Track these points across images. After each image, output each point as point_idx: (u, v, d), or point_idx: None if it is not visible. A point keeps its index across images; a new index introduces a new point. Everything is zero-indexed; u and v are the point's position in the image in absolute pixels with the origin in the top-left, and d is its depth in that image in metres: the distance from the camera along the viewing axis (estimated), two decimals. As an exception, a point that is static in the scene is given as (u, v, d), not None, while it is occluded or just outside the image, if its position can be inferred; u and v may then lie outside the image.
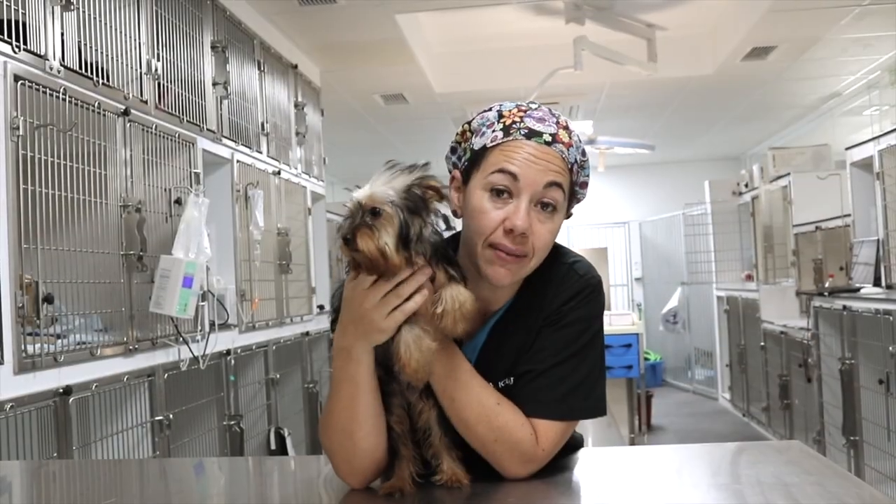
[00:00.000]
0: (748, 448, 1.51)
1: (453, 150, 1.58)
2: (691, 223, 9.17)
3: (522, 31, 6.14)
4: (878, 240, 4.65)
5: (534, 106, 1.51)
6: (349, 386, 1.38)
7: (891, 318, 4.12)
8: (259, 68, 4.34)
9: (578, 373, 1.45)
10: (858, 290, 4.70)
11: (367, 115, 7.39)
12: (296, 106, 4.98)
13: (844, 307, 4.76)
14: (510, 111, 1.50)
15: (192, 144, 3.42)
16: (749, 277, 7.95)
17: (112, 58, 2.87)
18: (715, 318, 8.75)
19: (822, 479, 1.28)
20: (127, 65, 2.96)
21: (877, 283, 4.63)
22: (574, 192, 1.53)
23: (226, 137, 3.81)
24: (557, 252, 1.56)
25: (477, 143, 1.51)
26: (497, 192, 1.44)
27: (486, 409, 1.40)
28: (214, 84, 3.70)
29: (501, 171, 1.44)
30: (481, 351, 1.52)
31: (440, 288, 1.36)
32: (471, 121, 1.55)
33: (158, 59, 3.17)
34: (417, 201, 1.32)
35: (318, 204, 5.41)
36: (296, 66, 4.99)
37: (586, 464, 1.54)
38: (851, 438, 4.78)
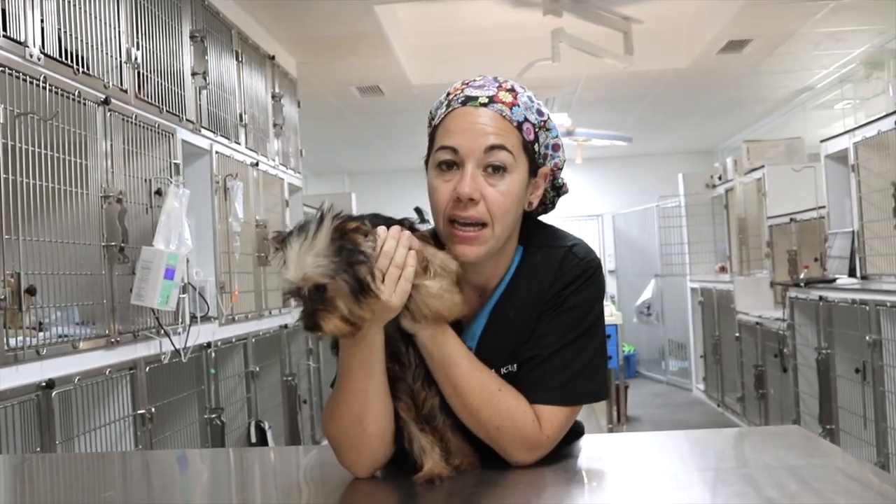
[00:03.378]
0: (748, 433, 1.52)
1: (430, 142, 1.57)
2: (665, 216, 9.21)
3: (500, 23, 6.13)
4: (852, 231, 4.70)
5: (479, 78, 1.51)
6: (361, 371, 1.36)
7: (867, 307, 4.17)
8: (237, 59, 4.30)
9: (581, 357, 1.44)
10: (834, 280, 4.75)
11: (342, 107, 7.35)
12: (273, 97, 4.94)
13: (821, 297, 4.81)
14: (455, 87, 1.51)
15: (172, 135, 3.38)
16: (723, 269, 8.01)
17: (92, 46, 2.82)
18: (689, 309, 8.81)
19: (827, 461, 1.28)
20: (107, 53, 2.91)
21: (851, 273, 4.67)
22: (535, 152, 1.49)
23: (205, 128, 3.77)
24: (555, 235, 1.55)
25: (431, 128, 1.52)
26: (445, 167, 1.44)
27: (488, 396, 1.39)
28: (193, 74, 3.65)
29: (442, 147, 1.44)
30: (481, 337, 1.50)
31: (420, 249, 1.37)
32: (431, 109, 1.55)
33: (138, 48, 3.12)
34: (348, 251, 1.27)
35: (296, 196, 5.38)
36: (273, 58, 4.95)
37: (589, 450, 1.53)
38: (828, 427, 4.82)
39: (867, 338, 4.15)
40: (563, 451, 1.47)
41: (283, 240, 1.29)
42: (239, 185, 4.00)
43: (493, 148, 1.43)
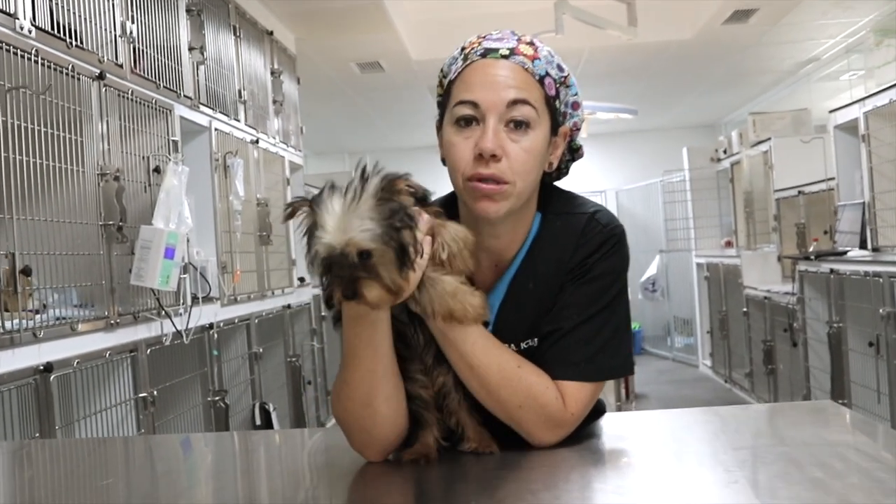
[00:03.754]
0: (780, 409, 1.44)
1: (439, 105, 1.49)
2: (669, 190, 9.12)
3: (498, -3, 6.03)
4: (863, 203, 4.62)
5: (495, 32, 1.43)
6: (368, 351, 1.28)
7: (881, 280, 4.09)
8: (235, 34, 4.20)
9: (606, 330, 1.36)
10: (845, 253, 4.67)
11: (342, 84, 7.24)
12: (272, 74, 4.84)
13: (831, 270, 4.73)
14: (471, 41, 1.43)
15: (170, 111, 3.29)
16: (729, 244, 7.93)
17: (85, 19, 2.73)
18: (694, 285, 8.73)
19: (867, 437, 1.21)
20: (101, 27, 2.82)
21: (862, 245, 4.60)
22: (555, 108, 1.42)
23: (203, 104, 3.68)
24: (574, 201, 1.47)
25: (447, 83, 1.44)
26: (464, 123, 1.36)
27: (507, 374, 1.31)
28: (191, 49, 3.56)
29: (461, 101, 1.37)
30: (500, 310, 1.42)
31: (433, 231, 1.27)
32: (443, 67, 1.47)
33: (133, 22, 3.03)
34: (396, 213, 1.17)
35: (297, 174, 5.30)
36: (271, 33, 4.85)
37: (612, 429, 1.45)
38: (840, 402, 4.75)
39: (881, 311, 4.07)
40: (584, 430, 1.39)
41: (314, 199, 1.17)
42: (239, 163, 3.92)
43: (515, 102, 1.35)
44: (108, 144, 2.79)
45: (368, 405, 1.29)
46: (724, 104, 9.77)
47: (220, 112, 3.90)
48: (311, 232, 1.17)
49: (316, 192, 1.21)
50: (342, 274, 1.15)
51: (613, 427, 1.46)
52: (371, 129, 9.63)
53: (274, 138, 4.77)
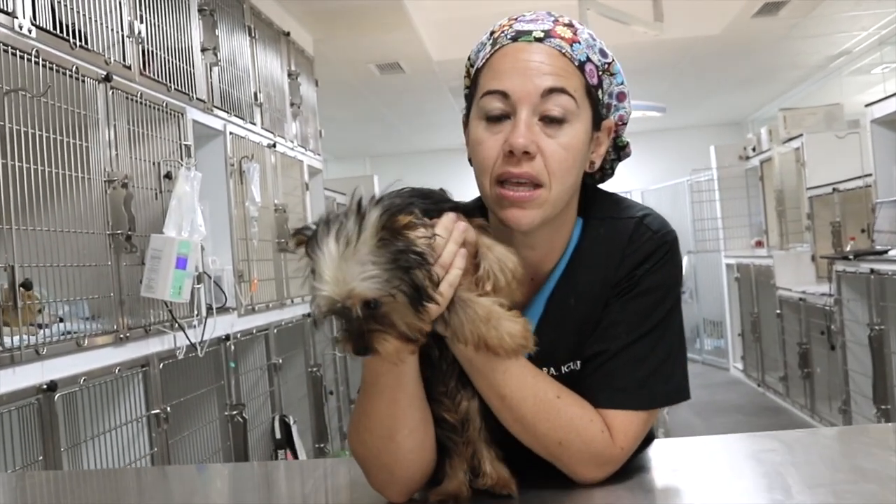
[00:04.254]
0: (847, 434, 1.27)
1: (466, 98, 1.32)
2: (697, 190, 8.92)
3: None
4: (903, 199, 4.44)
5: (529, 13, 1.26)
6: (391, 377, 1.12)
7: (926, 280, 3.90)
8: (250, 34, 4.07)
9: (659, 351, 1.20)
10: (886, 252, 4.48)
11: (361, 86, 7.11)
12: (289, 76, 4.71)
13: (872, 271, 4.54)
14: (500, 24, 1.26)
15: (182, 115, 3.16)
16: (759, 244, 7.72)
17: (90, 19, 2.60)
18: (724, 286, 8.53)
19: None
20: (107, 27, 2.70)
21: (903, 244, 4.42)
22: (598, 99, 1.24)
23: (217, 108, 3.55)
24: (620, 204, 1.30)
25: (473, 72, 1.27)
26: (493, 119, 1.20)
27: (545, 405, 1.15)
28: (203, 50, 3.43)
29: (489, 92, 1.20)
30: (537, 330, 1.22)
31: (477, 250, 1.11)
32: (470, 54, 1.31)
33: (142, 22, 2.91)
34: (402, 252, 1.00)
35: (316, 178, 5.17)
36: (288, 34, 4.72)
37: (664, 461, 1.28)
38: (883, 407, 4.56)
39: (927, 312, 3.89)
40: (632, 462, 1.22)
41: (309, 239, 1.02)
42: (255, 168, 3.78)
43: (551, 91, 1.18)
44: (116, 150, 2.66)
45: (391, 439, 1.14)
46: (751, 101, 9.57)
47: (236, 115, 3.77)
48: (309, 278, 1.02)
49: (343, 204, 1.04)
50: (350, 328, 1.00)
51: (664, 457, 1.30)
52: (392, 131, 9.49)
53: (292, 142, 4.64)
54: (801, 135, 6.28)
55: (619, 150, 1.35)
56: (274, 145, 4.24)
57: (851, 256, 4.86)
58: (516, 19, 1.25)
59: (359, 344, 1.00)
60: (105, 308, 2.57)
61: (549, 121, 1.18)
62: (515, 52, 1.20)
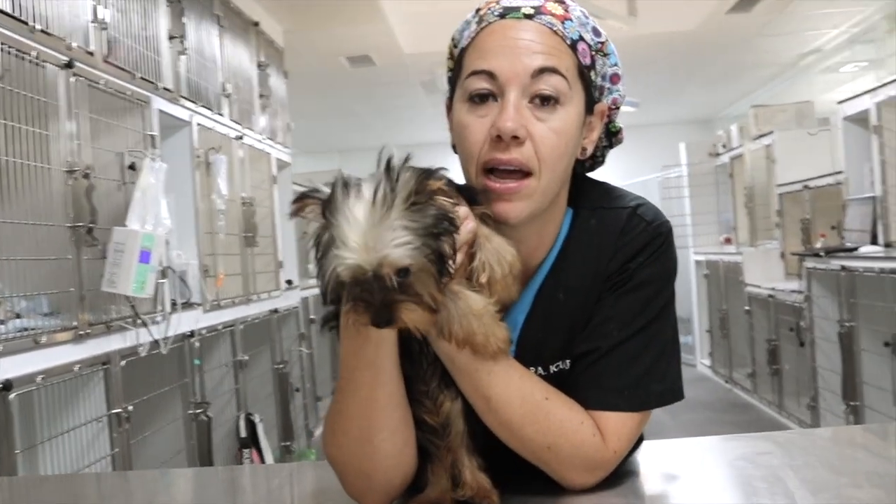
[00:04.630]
0: (845, 434, 1.22)
1: (450, 81, 1.25)
2: (667, 186, 8.92)
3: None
4: (873, 197, 4.43)
5: None
6: (368, 373, 1.05)
7: (897, 277, 3.90)
8: (218, 23, 3.98)
9: (653, 349, 1.14)
10: (856, 249, 4.47)
11: (331, 79, 7.02)
12: (258, 67, 4.62)
13: (843, 267, 4.53)
14: (487, 1, 1.19)
15: (147, 104, 3.06)
16: (728, 241, 7.73)
17: (52, 2, 2.50)
18: (693, 283, 8.53)
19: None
20: (69, 11, 2.59)
21: (873, 241, 4.41)
22: (591, 81, 1.17)
23: (184, 98, 3.46)
24: (611, 193, 1.24)
25: (458, 52, 1.20)
26: (479, 99, 1.12)
27: (533, 407, 1.08)
28: (170, 38, 3.34)
29: (475, 72, 1.12)
30: (525, 326, 1.19)
31: (474, 241, 1.04)
32: (453, 34, 1.23)
33: (106, 7, 2.80)
34: (438, 219, 0.94)
35: (284, 172, 5.08)
36: (257, 24, 4.63)
37: (654, 464, 1.23)
38: (851, 404, 4.57)
39: (898, 309, 3.88)
40: (621, 466, 1.16)
41: (326, 202, 0.94)
42: (222, 160, 3.69)
43: (542, 71, 1.10)
44: (78, 139, 2.56)
45: (368, 441, 1.06)
46: (721, 99, 9.60)
47: (203, 106, 3.67)
48: (325, 245, 0.93)
49: (374, 169, 0.97)
50: (371, 298, 0.92)
51: (654, 460, 1.24)
52: (362, 125, 9.39)
53: (260, 134, 4.55)
54: (772, 132, 6.27)
55: (612, 137, 1.28)
56: (241, 137, 4.15)
57: (822, 253, 4.85)
58: None
59: (382, 315, 0.93)
60: (65, 303, 2.48)
61: (541, 101, 1.11)
62: (503, 30, 1.13)
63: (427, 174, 0.95)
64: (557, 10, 1.14)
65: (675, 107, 9.92)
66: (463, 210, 1.03)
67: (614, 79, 1.23)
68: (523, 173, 1.11)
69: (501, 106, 1.10)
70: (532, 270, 1.21)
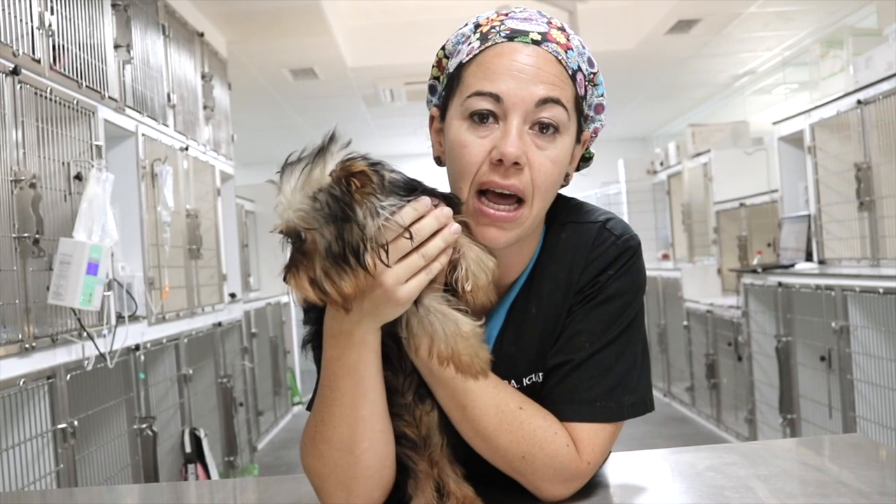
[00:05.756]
0: (810, 445, 1.26)
1: (432, 90, 1.26)
2: (606, 203, 9.05)
3: (441, 2, 5.85)
4: (808, 215, 4.56)
5: (518, 8, 1.20)
6: (350, 380, 1.05)
7: (833, 293, 4.01)
8: (164, 33, 3.93)
9: (624, 360, 1.16)
10: (792, 266, 4.59)
11: (275, 91, 6.98)
12: (203, 78, 4.57)
13: (780, 284, 4.65)
14: (488, 17, 1.20)
15: (93, 113, 3.01)
16: (665, 257, 7.87)
17: (-4, 8, 2.45)
18: (635, 298, 8.65)
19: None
20: (16, 17, 2.54)
21: (807, 258, 4.54)
22: (582, 112, 1.20)
23: (129, 107, 3.40)
24: (581, 208, 1.26)
25: (453, 64, 1.20)
26: (479, 119, 1.13)
27: (507, 417, 1.10)
28: (116, 47, 3.28)
29: (479, 92, 1.13)
30: (498, 340, 1.20)
31: (457, 249, 1.06)
32: (445, 44, 1.24)
33: (52, 13, 2.75)
34: (339, 200, 0.97)
35: (228, 184, 5.03)
36: (202, 35, 4.58)
37: (622, 475, 1.25)
38: (788, 417, 4.68)
39: (833, 324, 3.99)
40: (591, 478, 1.17)
41: (283, 168, 1.03)
42: (168, 171, 3.64)
43: (546, 101, 1.12)
44: (24, 148, 2.51)
45: (349, 452, 1.07)
46: (657, 117, 9.78)
47: (148, 116, 3.62)
48: None
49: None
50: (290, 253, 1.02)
51: (621, 472, 1.26)
52: (304, 139, 9.08)
53: (204, 146, 4.50)
54: (709, 150, 6.41)
55: (586, 161, 1.31)
56: (186, 148, 4.10)
57: (759, 270, 4.97)
58: (507, 14, 1.19)
59: (284, 270, 1.01)
60: (9, 316, 2.41)
61: (540, 131, 1.13)
62: (512, 53, 1.14)
63: (352, 158, 0.99)
64: (561, 38, 1.16)
65: (614, 124, 10.07)
66: (446, 210, 1.04)
67: (598, 108, 1.25)
68: (517, 199, 1.13)
69: (504, 130, 1.12)
70: (506, 286, 1.22)
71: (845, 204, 4.11)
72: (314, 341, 1.09)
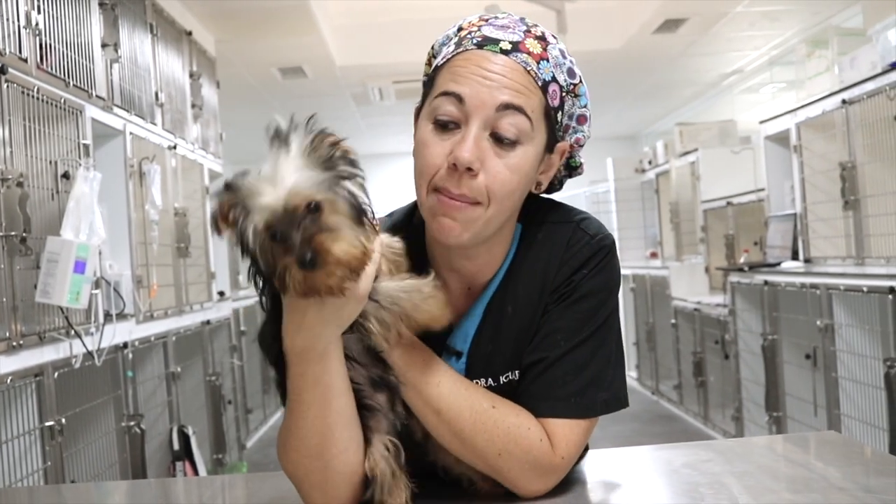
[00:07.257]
0: (784, 443, 1.28)
1: (424, 85, 1.27)
2: (595, 201, 9.08)
3: (430, 1, 5.86)
4: (794, 214, 4.59)
5: (502, 15, 1.21)
6: (315, 393, 1.06)
7: (818, 291, 4.04)
8: (152, 32, 3.93)
9: (598, 358, 1.18)
10: (778, 264, 4.63)
11: (263, 90, 6.98)
12: (191, 76, 4.58)
13: (766, 282, 4.68)
14: (470, 22, 1.21)
15: (80, 112, 3.01)
16: (653, 255, 7.90)
17: (-17, 7, 2.46)
18: (620, 296, 8.67)
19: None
20: (2, 16, 2.54)
21: (794, 257, 4.57)
22: (557, 121, 1.20)
23: (117, 106, 3.41)
24: (557, 209, 1.28)
25: (434, 65, 1.22)
26: (443, 123, 1.14)
27: (482, 416, 1.12)
28: (104, 46, 3.29)
29: (445, 93, 1.14)
30: (475, 341, 1.22)
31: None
32: (434, 44, 1.26)
33: (39, 12, 2.76)
34: (337, 159, 0.99)
35: (216, 183, 5.02)
36: (190, 33, 4.59)
37: (600, 472, 1.27)
38: (774, 415, 4.71)
39: (818, 322, 4.03)
40: (568, 475, 1.20)
41: (231, 183, 0.99)
42: (156, 169, 3.65)
43: (507, 107, 1.13)
44: (11, 147, 2.51)
45: (318, 458, 1.08)
46: (645, 116, 9.80)
47: (136, 115, 3.63)
48: (241, 217, 0.96)
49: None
50: (292, 240, 0.93)
51: (598, 469, 1.28)
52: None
53: (192, 145, 4.51)
54: (697, 149, 6.44)
55: (572, 169, 1.32)
56: (175, 147, 4.10)
57: (746, 268, 5.00)
58: (487, 20, 1.20)
59: (304, 250, 0.93)
60: (-4, 314, 2.42)
61: (499, 139, 1.14)
62: (478, 59, 1.15)
63: (322, 132, 0.99)
64: (536, 48, 1.16)
65: (602, 123, 10.10)
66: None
67: (581, 119, 1.26)
68: (473, 202, 1.14)
69: (463, 135, 1.13)
70: (482, 285, 1.24)
71: (830, 203, 4.14)
72: (277, 361, 1.09)
